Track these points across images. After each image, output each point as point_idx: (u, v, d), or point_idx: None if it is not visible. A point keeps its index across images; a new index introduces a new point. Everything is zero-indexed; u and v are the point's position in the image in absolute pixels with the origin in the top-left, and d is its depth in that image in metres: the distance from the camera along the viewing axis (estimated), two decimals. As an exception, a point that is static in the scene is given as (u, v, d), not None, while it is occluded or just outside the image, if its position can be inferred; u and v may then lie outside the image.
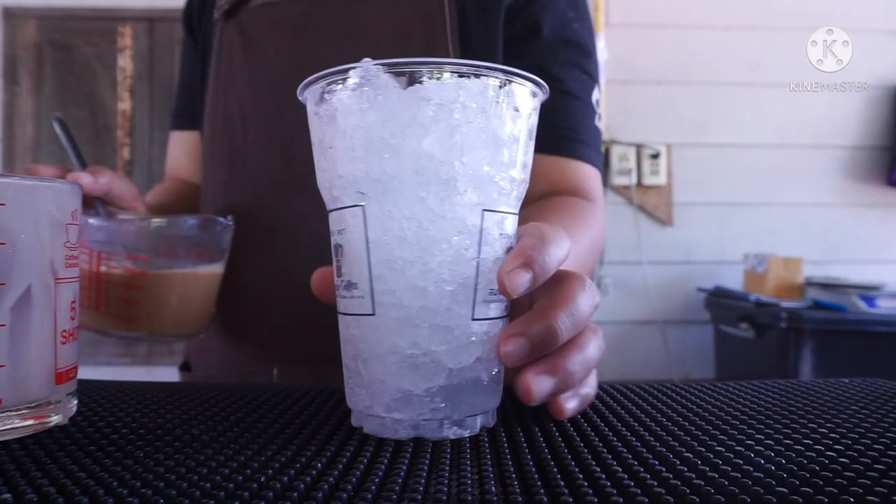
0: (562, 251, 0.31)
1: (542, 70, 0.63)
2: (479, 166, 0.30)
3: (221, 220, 0.58)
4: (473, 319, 0.30)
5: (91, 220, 0.54)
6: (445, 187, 0.29)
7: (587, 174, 0.65)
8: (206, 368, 0.70)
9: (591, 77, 0.67)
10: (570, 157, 0.64)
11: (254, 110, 0.65)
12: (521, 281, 0.29)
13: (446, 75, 0.29)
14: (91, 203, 0.56)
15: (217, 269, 0.60)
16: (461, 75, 0.29)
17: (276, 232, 0.63)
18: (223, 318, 0.67)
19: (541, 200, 0.62)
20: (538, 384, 0.29)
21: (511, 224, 0.32)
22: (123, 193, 0.58)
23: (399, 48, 0.62)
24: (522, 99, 0.31)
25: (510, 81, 0.30)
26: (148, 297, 0.55)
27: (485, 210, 0.30)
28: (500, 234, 0.31)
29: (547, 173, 0.63)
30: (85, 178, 0.53)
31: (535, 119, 0.33)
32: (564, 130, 0.64)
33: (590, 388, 0.34)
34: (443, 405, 0.30)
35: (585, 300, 0.31)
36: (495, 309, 0.31)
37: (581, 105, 0.65)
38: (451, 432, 0.30)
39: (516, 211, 0.33)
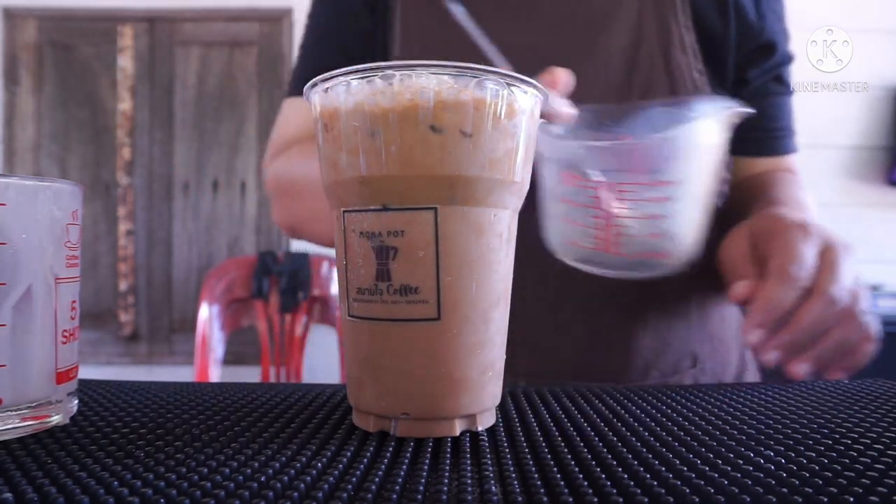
0: (793, 292, 0.41)
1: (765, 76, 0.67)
2: (512, 168, 0.30)
3: None
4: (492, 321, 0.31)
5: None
6: (488, 189, 0.30)
7: (794, 159, 0.70)
8: None
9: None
10: (789, 154, 0.69)
11: None
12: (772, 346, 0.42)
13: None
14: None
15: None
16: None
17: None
18: None
19: (769, 173, 0.66)
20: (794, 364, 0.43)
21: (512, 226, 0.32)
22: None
23: (634, 41, 0.60)
24: (522, 102, 0.31)
25: (510, 85, 0.30)
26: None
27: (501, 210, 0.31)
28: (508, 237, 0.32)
29: (765, 165, 0.68)
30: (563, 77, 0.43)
31: (537, 123, 0.33)
32: (785, 130, 0.68)
33: (825, 349, 0.42)
34: (462, 402, 0.30)
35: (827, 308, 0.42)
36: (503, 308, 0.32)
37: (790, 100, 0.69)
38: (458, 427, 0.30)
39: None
